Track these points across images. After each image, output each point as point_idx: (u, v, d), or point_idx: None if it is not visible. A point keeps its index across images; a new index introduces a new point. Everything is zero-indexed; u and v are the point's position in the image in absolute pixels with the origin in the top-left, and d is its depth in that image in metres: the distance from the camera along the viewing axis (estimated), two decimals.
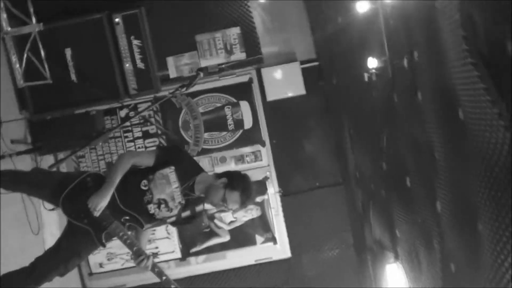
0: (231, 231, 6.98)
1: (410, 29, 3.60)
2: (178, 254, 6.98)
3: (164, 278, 3.82)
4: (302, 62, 6.82)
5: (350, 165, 6.27)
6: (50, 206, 5.73)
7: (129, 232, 3.91)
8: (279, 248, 7.02)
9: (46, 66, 5.55)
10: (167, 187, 3.91)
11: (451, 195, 3.51)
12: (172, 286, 3.84)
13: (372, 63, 4.23)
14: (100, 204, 3.78)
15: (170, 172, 3.92)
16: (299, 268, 7.05)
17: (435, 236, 3.91)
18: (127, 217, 3.94)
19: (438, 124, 3.42)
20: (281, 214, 6.98)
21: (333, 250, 7.04)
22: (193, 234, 6.96)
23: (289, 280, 7.05)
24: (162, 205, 3.95)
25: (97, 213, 3.80)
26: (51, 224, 5.87)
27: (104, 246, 4.02)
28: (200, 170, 4.11)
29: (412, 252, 4.53)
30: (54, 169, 4.26)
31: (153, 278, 6.39)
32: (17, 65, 5.49)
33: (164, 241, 6.87)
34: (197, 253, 7.01)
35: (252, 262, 7.06)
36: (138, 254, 3.79)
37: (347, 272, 6.98)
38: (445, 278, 3.88)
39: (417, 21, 3.42)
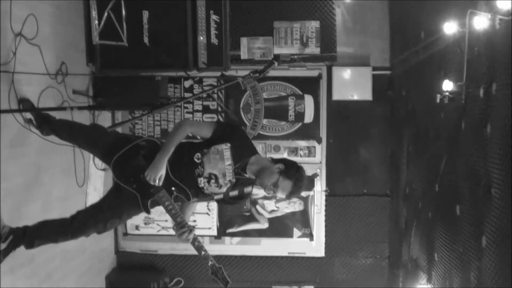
0: (270, 220, 7.02)
1: (494, 60, 3.54)
2: (214, 232, 7.05)
3: (203, 253, 3.83)
4: (374, 68, 6.80)
5: (401, 179, 6.22)
6: (101, 165, 5.89)
7: (175, 203, 3.94)
8: (314, 246, 7.03)
9: (125, 28, 5.61)
10: (220, 163, 3.91)
11: (499, 234, 3.46)
12: (210, 262, 3.85)
13: (448, 85, 4.16)
14: (158, 175, 3.80)
15: (225, 148, 3.92)
16: (330, 269, 7.06)
17: (474, 269, 3.86)
18: (175, 188, 3.97)
19: (502, 162, 3.36)
20: (323, 212, 6.98)
21: (367, 258, 7.01)
22: (233, 215, 7.02)
23: (318, 279, 7.06)
24: (212, 180, 3.96)
25: (159, 183, 3.83)
26: (96, 179, 5.99)
27: (148, 213, 4.06)
28: (255, 151, 4.08)
29: (446, 279, 4.48)
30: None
31: (183, 250, 6.64)
32: (96, 22, 5.54)
33: (203, 216, 6.95)
34: (233, 234, 7.07)
35: (285, 254, 7.10)
36: (181, 226, 3.80)
37: (377, 283, 6.96)
38: None
39: (503, 55, 3.36)
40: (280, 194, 3.89)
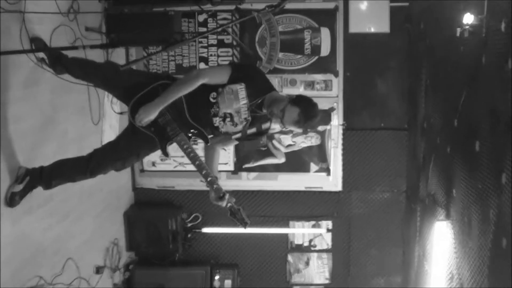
0: (287, 154, 6.99)
1: None
2: (231, 167, 7.04)
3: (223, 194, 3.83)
4: (392, 0, 6.60)
5: (419, 113, 6.13)
6: (118, 108, 5.85)
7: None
8: (331, 180, 7.01)
9: None
10: (235, 102, 3.86)
11: None
12: (229, 204, 3.86)
13: (468, 19, 4.03)
14: (145, 119, 3.79)
15: (240, 88, 3.86)
16: (347, 204, 7.06)
17: (493, 206, 3.82)
18: (193, 131, 3.94)
19: None
20: (340, 147, 6.93)
21: (384, 193, 7.00)
22: (250, 150, 7.00)
23: (335, 213, 7.07)
24: (228, 119, 3.92)
25: (140, 124, 3.83)
26: (112, 116, 5.96)
27: (167, 156, 4.04)
28: (271, 89, 4.03)
29: (465, 215, 4.45)
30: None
31: (200, 186, 6.63)
32: None
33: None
34: (249, 169, 7.06)
35: (302, 188, 7.09)
36: (216, 191, 3.82)
37: (394, 218, 6.96)
38: (494, 250, 3.81)
39: None
40: (287, 123, 3.82)
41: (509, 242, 3.56)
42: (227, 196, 3.83)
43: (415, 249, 6.13)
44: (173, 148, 3.95)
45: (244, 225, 3.94)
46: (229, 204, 3.85)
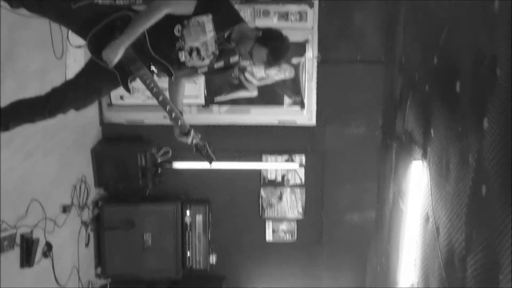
0: (260, 88, 6.77)
1: None
2: (202, 101, 6.80)
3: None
4: None
5: (397, 47, 5.91)
6: (76, 42, 5.55)
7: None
8: (305, 114, 6.82)
9: None
10: (202, 35, 3.67)
11: (503, 117, 3.24)
12: (194, 140, 3.82)
13: None
14: (115, 59, 3.57)
15: (206, 20, 3.65)
16: (321, 138, 6.91)
17: (473, 151, 3.68)
18: (156, 65, 3.75)
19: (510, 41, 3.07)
20: (314, 80, 6.71)
21: (360, 127, 6.84)
22: (221, 83, 6.75)
23: (309, 148, 6.93)
24: (194, 53, 3.74)
25: (111, 65, 3.60)
26: (76, 50, 5.66)
27: (129, 92, 3.87)
28: (240, 20, 3.84)
29: (443, 157, 4.31)
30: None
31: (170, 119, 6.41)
32: None
33: (189, 85, 6.64)
34: (221, 103, 6.84)
35: (275, 123, 6.90)
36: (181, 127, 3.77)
37: (369, 153, 6.84)
38: (472, 197, 3.69)
39: None
40: (257, 63, 3.74)
41: (489, 190, 3.43)
42: (192, 132, 3.78)
43: (390, 186, 6.03)
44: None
45: (210, 161, 3.91)
46: (194, 141, 3.77)
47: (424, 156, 4.82)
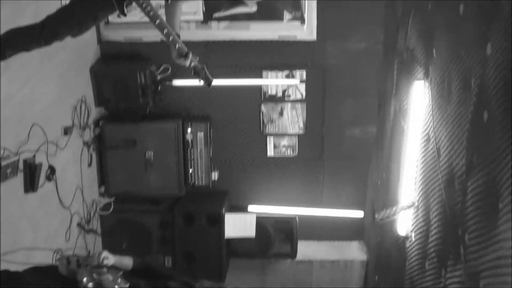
0: (259, 3, 6.61)
1: None
2: (200, 17, 6.67)
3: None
4: None
5: None
6: None
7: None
8: (305, 29, 6.70)
9: None
10: None
11: (507, 44, 3.18)
12: (193, 63, 3.78)
13: None
14: None
15: None
16: (322, 53, 6.81)
17: (475, 76, 3.64)
18: None
19: None
20: None
21: (361, 42, 6.73)
22: None
23: (309, 63, 6.85)
24: None
25: None
26: None
27: (124, 14, 3.80)
28: None
29: (444, 79, 4.27)
30: None
31: None
32: None
33: (187, 2, 6.51)
34: (220, 19, 6.71)
35: (275, 38, 6.79)
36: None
37: (370, 69, 6.76)
38: (474, 122, 3.68)
39: None
40: None
41: (491, 116, 3.41)
42: (190, 55, 3.74)
43: (391, 102, 6.00)
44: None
45: (209, 83, 3.88)
46: (192, 63, 3.74)
47: (426, 76, 4.77)
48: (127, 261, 3.67)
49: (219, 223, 6.66)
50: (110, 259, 3.48)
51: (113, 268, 3.50)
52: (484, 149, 3.48)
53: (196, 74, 3.87)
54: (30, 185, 4.87)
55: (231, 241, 6.84)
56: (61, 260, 3.51)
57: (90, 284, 3.31)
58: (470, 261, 3.59)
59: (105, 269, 3.40)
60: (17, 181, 4.70)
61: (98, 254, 3.49)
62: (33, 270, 3.70)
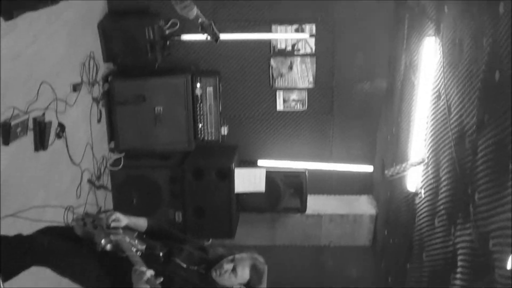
0: None
1: None
2: None
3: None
4: None
5: None
6: None
7: None
8: None
9: None
10: None
11: None
12: (200, 19, 3.68)
13: None
14: None
15: None
16: (332, 7, 6.76)
17: (487, 35, 3.60)
18: None
19: None
20: None
21: None
22: None
23: (319, 18, 6.77)
24: None
25: None
26: None
27: None
28: None
29: (456, 36, 4.23)
30: None
31: None
32: None
33: None
34: None
35: None
36: None
37: (381, 22, 6.68)
38: (485, 81, 3.65)
39: None
40: None
41: (503, 76, 3.38)
42: (195, 9, 3.78)
43: (401, 57, 5.94)
44: None
45: (216, 39, 3.84)
46: (200, 19, 3.69)
47: (437, 32, 4.72)
48: (142, 222, 3.69)
49: (229, 177, 6.68)
50: (121, 220, 3.50)
51: (128, 229, 3.52)
52: (496, 109, 3.46)
53: (203, 30, 3.82)
54: (40, 143, 4.87)
55: (240, 195, 6.87)
56: (77, 222, 3.52)
57: (108, 246, 3.34)
58: (479, 220, 3.61)
59: (120, 230, 3.43)
60: (27, 140, 4.70)
61: (108, 215, 3.50)
62: (48, 232, 3.74)
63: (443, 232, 4.36)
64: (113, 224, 3.43)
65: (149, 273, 3.03)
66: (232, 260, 3.46)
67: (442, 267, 4.30)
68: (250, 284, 3.51)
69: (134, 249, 3.31)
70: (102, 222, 3.46)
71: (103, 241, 3.31)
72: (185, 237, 3.74)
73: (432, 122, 4.79)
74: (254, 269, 3.50)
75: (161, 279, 3.05)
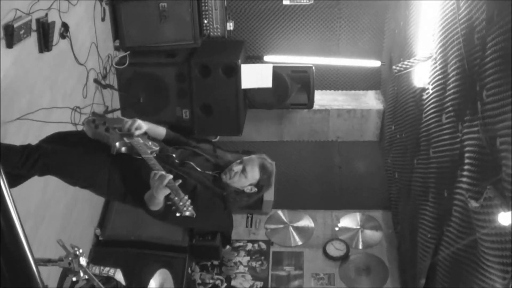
0: None
1: None
2: None
3: None
4: None
5: None
6: None
7: None
8: None
9: None
10: None
11: None
12: None
13: None
14: None
15: None
16: None
17: None
18: None
19: None
20: None
21: None
22: None
23: None
24: None
25: None
26: None
27: None
28: None
29: None
30: None
31: None
32: None
33: None
34: None
35: None
36: None
37: None
38: None
39: None
40: None
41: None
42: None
43: None
44: None
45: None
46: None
47: None
48: (161, 130, 3.72)
49: (236, 73, 6.63)
50: (143, 127, 3.51)
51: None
52: (505, 5, 3.37)
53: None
54: (45, 44, 4.81)
55: (248, 92, 6.86)
56: (89, 124, 3.52)
57: (123, 149, 3.36)
58: (487, 118, 3.60)
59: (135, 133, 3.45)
60: (31, 41, 4.64)
61: (131, 122, 3.48)
62: (57, 138, 3.75)
63: (451, 128, 4.36)
64: (137, 133, 3.43)
65: (169, 176, 3.07)
66: (241, 162, 3.51)
67: (449, 163, 4.33)
68: (260, 183, 3.57)
69: (149, 151, 3.33)
70: (123, 126, 3.46)
71: (117, 143, 3.32)
72: (200, 146, 3.76)
73: (441, 17, 4.69)
74: (263, 168, 3.56)
75: (180, 181, 3.09)
